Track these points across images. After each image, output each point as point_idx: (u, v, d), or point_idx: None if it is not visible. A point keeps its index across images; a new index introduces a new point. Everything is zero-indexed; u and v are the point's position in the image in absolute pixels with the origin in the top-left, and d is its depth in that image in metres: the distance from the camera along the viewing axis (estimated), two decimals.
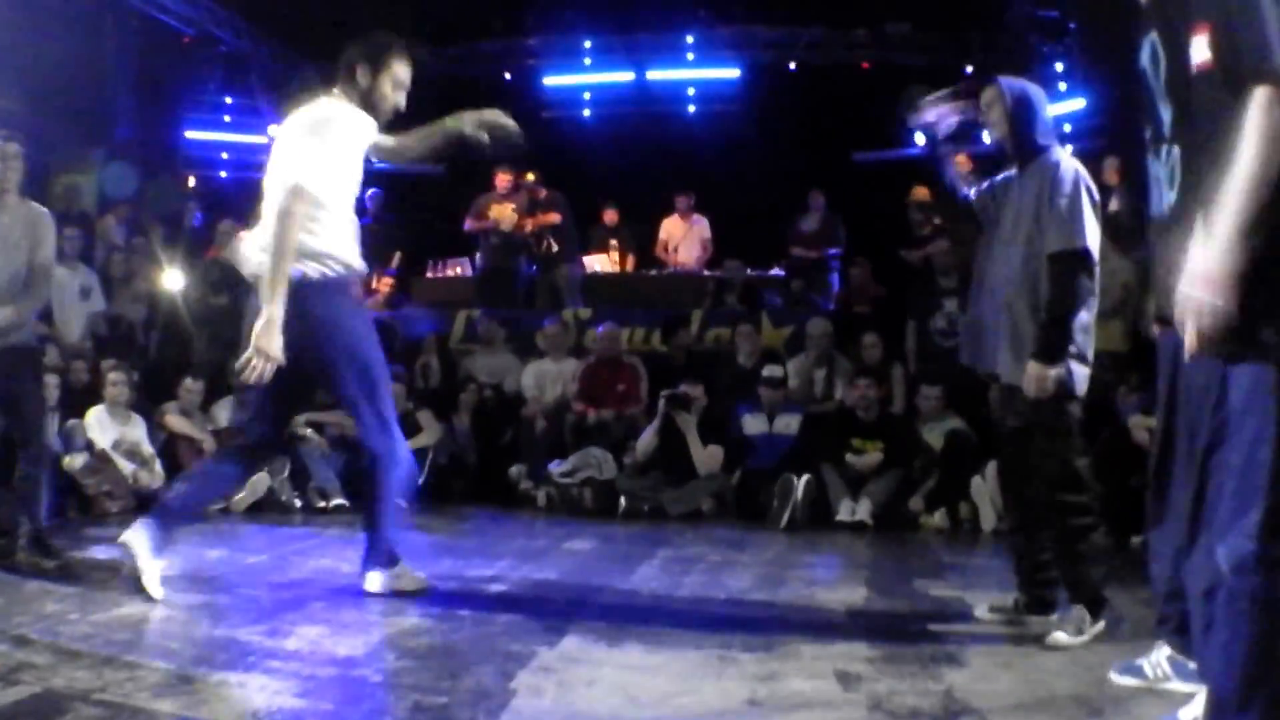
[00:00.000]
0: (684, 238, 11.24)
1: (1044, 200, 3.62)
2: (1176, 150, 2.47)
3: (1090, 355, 3.65)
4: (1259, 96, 2.09)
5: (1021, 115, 3.77)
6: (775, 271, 10.99)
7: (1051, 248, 3.56)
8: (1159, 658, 3.04)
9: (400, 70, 4.00)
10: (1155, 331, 2.89)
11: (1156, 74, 2.51)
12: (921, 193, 9.23)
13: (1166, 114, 2.49)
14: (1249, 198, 2.09)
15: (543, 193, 10.43)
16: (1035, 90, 3.85)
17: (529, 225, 10.24)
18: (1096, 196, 3.65)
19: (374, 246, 10.97)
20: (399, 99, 4.05)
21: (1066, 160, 3.67)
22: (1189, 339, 2.12)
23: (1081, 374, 3.61)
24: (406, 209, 11.55)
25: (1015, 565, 3.92)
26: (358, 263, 4.02)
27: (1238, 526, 2.17)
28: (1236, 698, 2.18)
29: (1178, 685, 2.96)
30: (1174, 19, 2.33)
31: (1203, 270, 2.09)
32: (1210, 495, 2.37)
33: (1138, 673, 3.07)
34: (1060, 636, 3.56)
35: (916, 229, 9.20)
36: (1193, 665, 2.93)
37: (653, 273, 11.28)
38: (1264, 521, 2.15)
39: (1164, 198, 2.51)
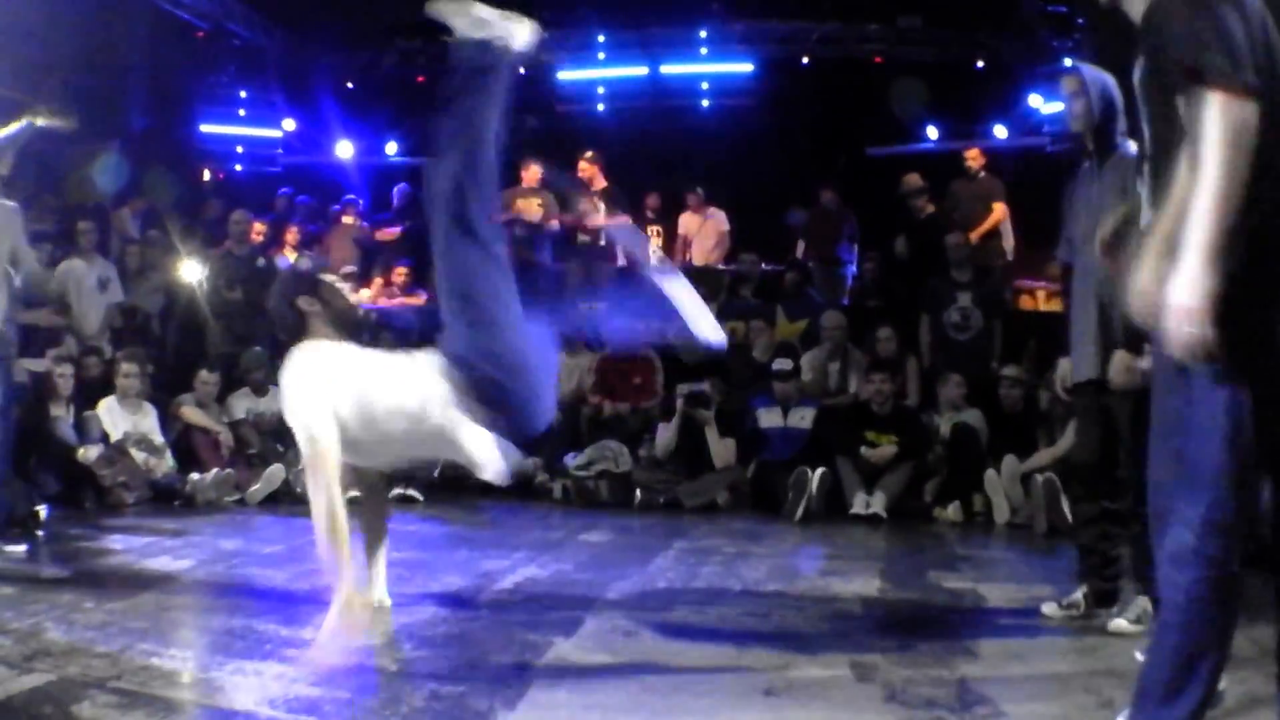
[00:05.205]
0: (699, 232, 11.20)
1: (1127, 199, 3.44)
2: (1150, 168, 2.48)
3: None
4: (1206, 100, 2.03)
5: (1107, 110, 3.67)
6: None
7: None
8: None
9: None
10: None
11: (1146, 95, 2.50)
12: (913, 179, 9.27)
13: (1149, 132, 2.49)
14: (1218, 215, 1.98)
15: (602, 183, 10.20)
16: (1112, 82, 3.72)
17: (554, 222, 10.15)
18: None
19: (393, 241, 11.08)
20: None
21: None
22: (1172, 346, 2.07)
23: None
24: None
25: (1082, 559, 3.86)
26: None
27: (1182, 517, 2.15)
28: (1160, 690, 2.16)
29: None
30: (1155, 42, 2.31)
31: (1177, 299, 2.02)
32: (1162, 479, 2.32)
33: None
34: (1122, 623, 3.56)
35: (917, 214, 9.20)
36: None
37: None
38: (1205, 517, 2.13)
39: (1145, 215, 2.52)
